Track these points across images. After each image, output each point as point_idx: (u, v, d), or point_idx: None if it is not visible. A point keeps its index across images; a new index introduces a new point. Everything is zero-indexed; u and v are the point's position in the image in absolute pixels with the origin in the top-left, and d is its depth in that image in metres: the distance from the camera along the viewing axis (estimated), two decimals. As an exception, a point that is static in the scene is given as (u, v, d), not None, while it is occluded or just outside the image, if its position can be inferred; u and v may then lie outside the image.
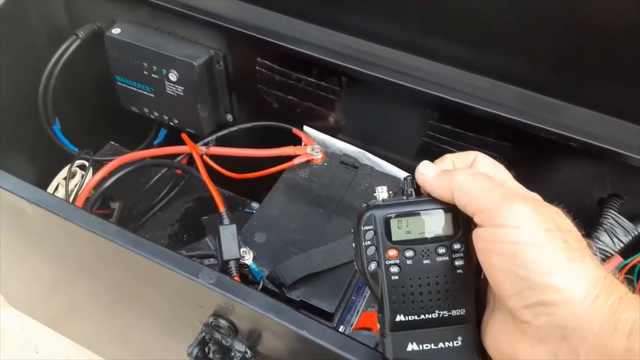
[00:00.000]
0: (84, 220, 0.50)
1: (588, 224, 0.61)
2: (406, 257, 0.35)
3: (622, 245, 0.61)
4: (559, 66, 0.59)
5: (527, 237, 0.30)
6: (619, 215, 0.61)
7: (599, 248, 0.61)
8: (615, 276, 0.31)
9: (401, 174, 0.73)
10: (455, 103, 0.61)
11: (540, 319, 0.29)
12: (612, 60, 0.56)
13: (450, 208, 0.35)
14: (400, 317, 0.35)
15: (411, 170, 0.71)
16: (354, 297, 0.64)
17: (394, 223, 0.35)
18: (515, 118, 0.59)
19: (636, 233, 0.61)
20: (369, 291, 0.66)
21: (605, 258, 0.61)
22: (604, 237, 0.61)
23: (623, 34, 0.54)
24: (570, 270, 0.29)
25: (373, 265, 0.35)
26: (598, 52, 0.56)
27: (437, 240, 0.35)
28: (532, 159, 0.63)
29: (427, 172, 0.36)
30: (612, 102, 0.58)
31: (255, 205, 0.94)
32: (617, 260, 0.60)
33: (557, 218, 0.31)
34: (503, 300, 0.31)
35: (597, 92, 0.59)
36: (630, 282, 0.61)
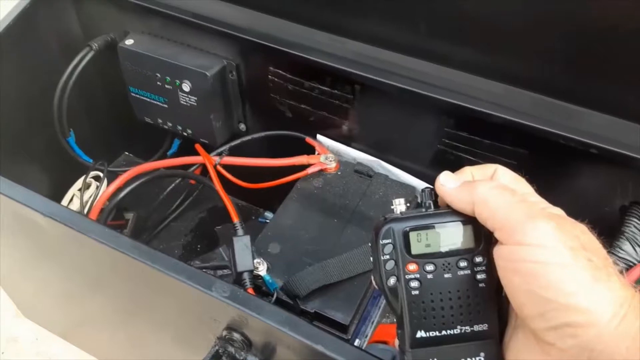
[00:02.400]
0: (97, 233, 0.50)
1: (609, 232, 0.59)
2: (426, 272, 0.34)
3: (645, 254, 0.59)
4: (576, 71, 0.58)
5: (550, 256, 0.29)
6: (642, 224, 0.59)
7: (621, 257, 0.59)
8: (636, 288, 0.30)
9: (416, 182, 0.72)
10: (471, 110, 0.60)
11: (565, 342, 0.28)
12: (631, 64, 0.55)
13: (471, 220, 0.34)
14: (421, 334, 0.34)
15: (426, 178, 0.71)
16: (369, 308, 0.63)
17: (413, 236, 0.34)
18: (533, 124, 0.58)
19: (660, 242, 0.59)
20: (384, 301, 0.65)
21: (627, 268, 0.59)
22: (626, 246, 0.59)
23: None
24: (596, 291, 0.28)
25: (392, 280, 0.34)
26: (617, 55, 0.55)
27: (457, 253, 0.34)
28: (551, 166, 0.62)
29: (448, 183, 0.35)
30: (633, 107, 0.57)
31: (268, 214, 0.94)
32: (641, 269, 0.58)
33: (582, 236, 0.30)
34: (525, 320, 0.30)
35: (617, 97, 0.58)
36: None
